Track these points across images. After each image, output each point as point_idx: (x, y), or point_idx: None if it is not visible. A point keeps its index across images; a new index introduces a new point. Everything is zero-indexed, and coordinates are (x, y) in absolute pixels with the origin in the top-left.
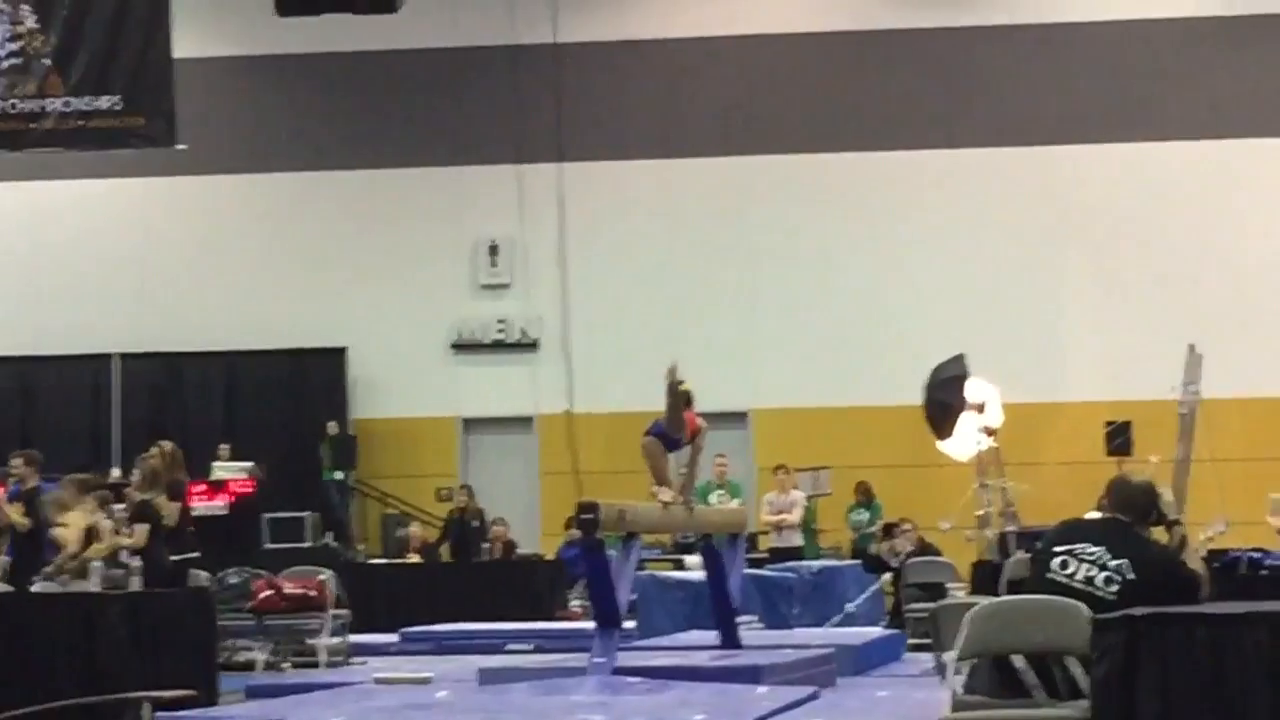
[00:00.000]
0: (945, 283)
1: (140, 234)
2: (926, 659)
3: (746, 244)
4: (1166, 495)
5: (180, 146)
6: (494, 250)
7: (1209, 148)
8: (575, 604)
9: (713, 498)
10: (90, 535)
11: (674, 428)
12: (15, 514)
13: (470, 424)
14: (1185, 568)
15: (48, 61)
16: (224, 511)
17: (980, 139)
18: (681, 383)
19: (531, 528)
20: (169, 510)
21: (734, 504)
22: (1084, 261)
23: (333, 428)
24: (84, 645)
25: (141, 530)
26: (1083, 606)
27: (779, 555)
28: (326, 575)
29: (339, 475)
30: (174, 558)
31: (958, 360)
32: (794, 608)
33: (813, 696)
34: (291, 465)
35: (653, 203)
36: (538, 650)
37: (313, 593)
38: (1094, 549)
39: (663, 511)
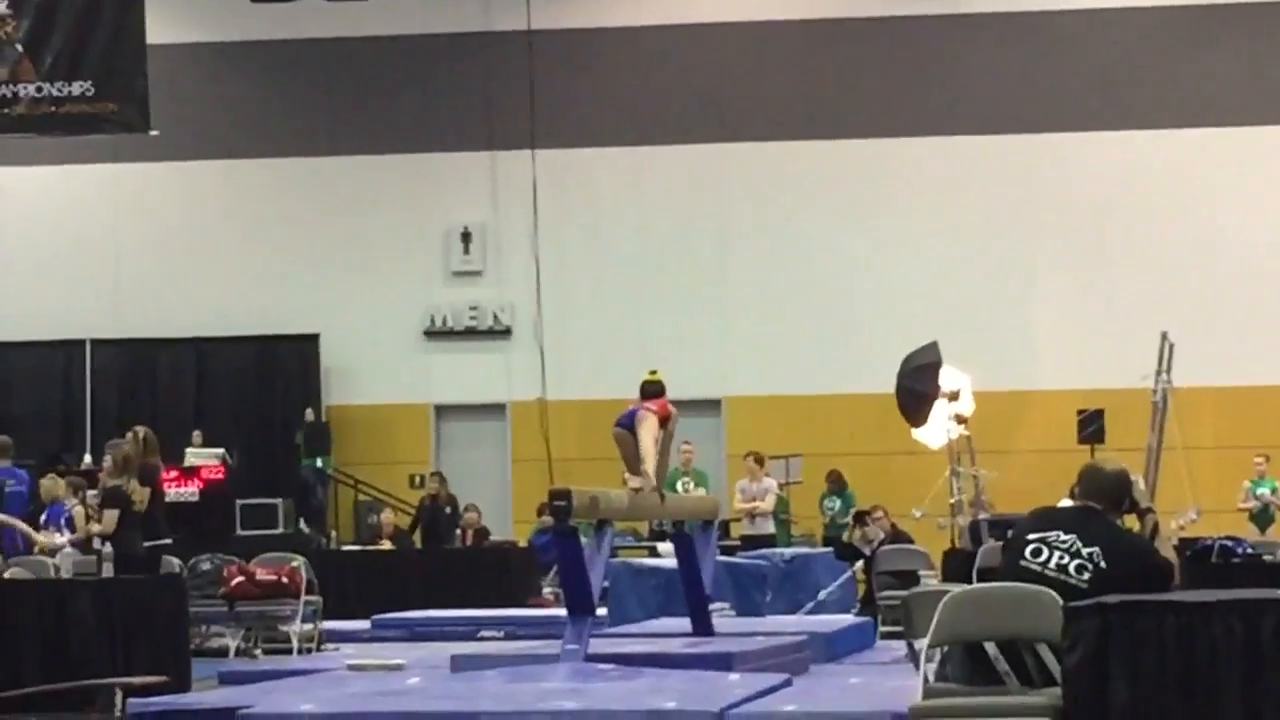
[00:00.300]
0: (918, 271)
1: (112, 220)
2: (899, 646)
3: (720, 231)
4: (1139, 483)
5: (153, 132)
6: (466, 237)
7: (1183, 137)
8: (547, 591)
9: (679, 485)
10: None
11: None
12: None
13: (443, 411)
14: (1157, 556)
15: (20, 47)
16: (195, 498)
17: (953, 127)
18: (654, 372)
19: (504, 514)
20: (139, 495)
21: (700, 492)
22: (1057, 250)
23: (309, 415)
24: (55, 632)
25: (111, 516)
26: (1055, 594)
27: (751, 543)
28: (298, 562)
29: (319, 463)
30: (145, 543)
31: (931, 348)
32: (766, 595)
33: (785, 683)
34: (264, 452)
35: (626, 190)
36: (510, 637)
37: (285, 579)
38: (1066, 537)
39: (635, 498)
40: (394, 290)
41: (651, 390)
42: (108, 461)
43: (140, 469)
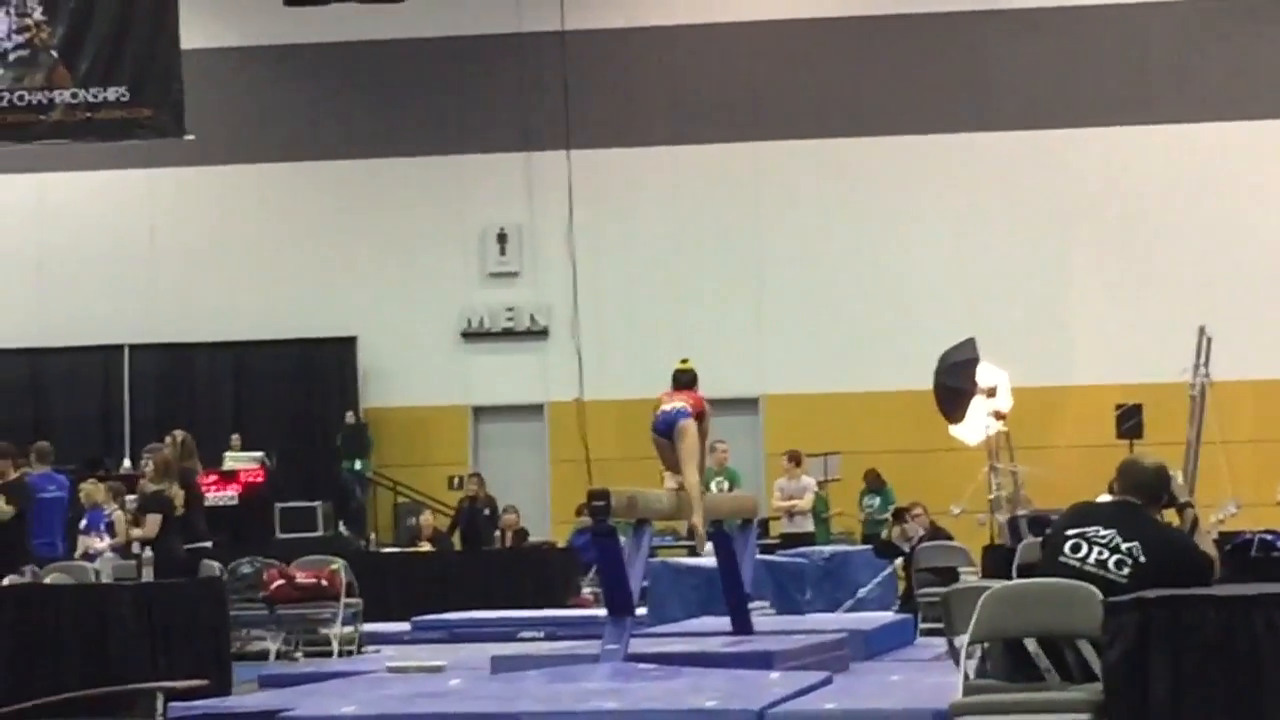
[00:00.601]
0: (955, 267)
1: (149, 225)
2: (939, 643)
3: (755, 230)
4: (1177, 478)
5: (188, 137)
6: (503, 238)
7: (1218, 130)
8: (587, 591)
9: (713, 485)
10: None
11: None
12: None
13: (481, 412)
14: (1197, 550)
15: (55, 53)
16: (235, 502)
17: (990, 123)
18: (685, 360)
19: (543, 515)
20: (180, 499)
21: (738, 491)
22: (1093, 244)
23: (350, 418)
24: (96, 636)
25: (153, 521)
26: (1094, 589)
27: (790, 541)
28: (338, 564)
29: (358, 465)
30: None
31: (968, 344)
32: (806, 593)
33: (826, 681)
34: (303, 455)
35: (661, 189)
36: (550, 638)
37: (325, 582)
38: (1105, 532)
39: (674, 499)
40: (431, 292)
41: (684, 380)
42: (148, 466)
43: (178, 472)
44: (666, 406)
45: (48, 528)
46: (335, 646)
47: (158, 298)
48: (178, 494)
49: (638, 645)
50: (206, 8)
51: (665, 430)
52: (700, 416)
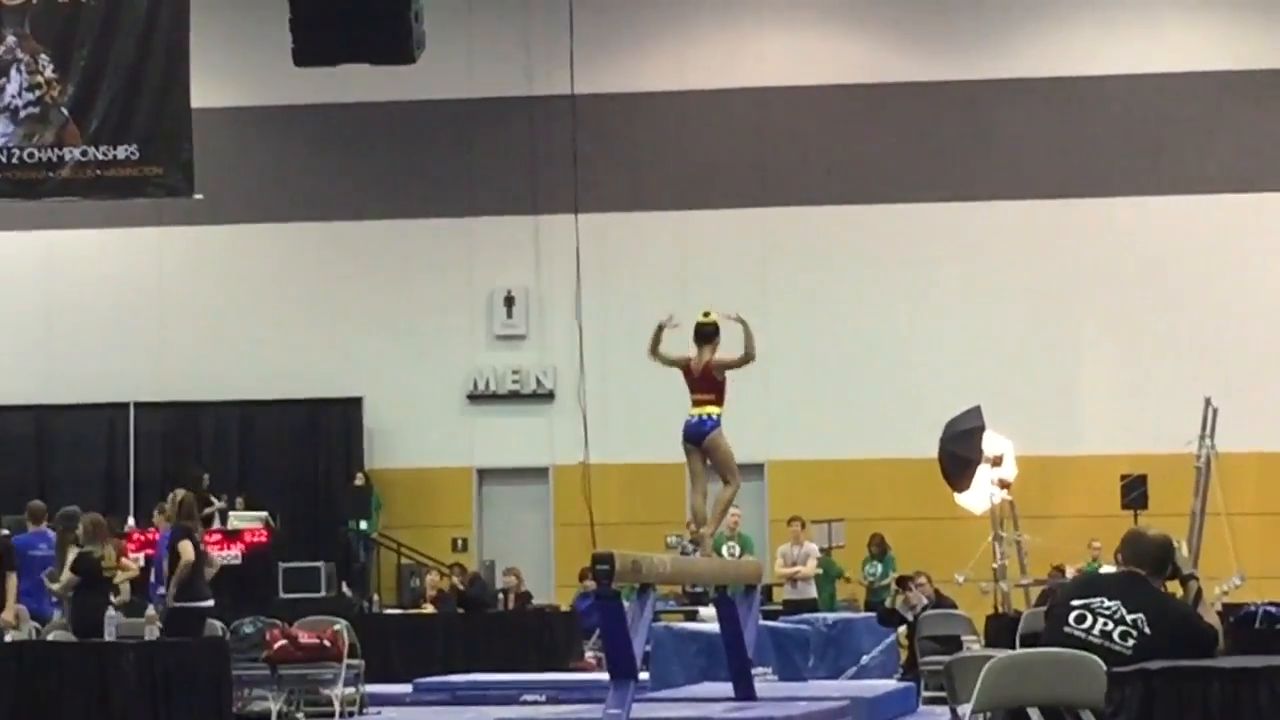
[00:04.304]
0: (961, 335)
1: (156, 283)
2: (941, 712)
3: (762, 296)
4: (1182, 549)
5: (197, 196)
6: (510, 301)
7: (1225, 201)
8: (590, 655)
9: (725, 550)
10: None
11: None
12: None
13: (486, 474)
14: (1201, 622)
15: (65, 111)
16: (238, 561)
17: (996, 192)
18: (708, 313)
19: (546, 578)
20: (112, 563)
21: (747, 557)
22: (1100, 314)
23: (360, 479)
24: (98, 694)
25: (69, 580)
26: (1098, 660)
27: (793, 607)
28: (341, 625)
29: (364, 526)
30: (180, 604)
31: (974, 413)
32: (808, 660)
33: None
34: (307, 515)
35: (669, 254)
36: (552, 701)
37: (327, 643)
38: (1110, 603)
39: (678, 563)
40: (437, 354)
41: (706, 332)
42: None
43: (176, 531)
44: (696, 413)
45: (38, 586)
46: (337, 707)
47: (164, 356)
48: (109, 556)
49: (640, 710)
50: (217, 67)
51: (695, 439)
52: (727, 364)
